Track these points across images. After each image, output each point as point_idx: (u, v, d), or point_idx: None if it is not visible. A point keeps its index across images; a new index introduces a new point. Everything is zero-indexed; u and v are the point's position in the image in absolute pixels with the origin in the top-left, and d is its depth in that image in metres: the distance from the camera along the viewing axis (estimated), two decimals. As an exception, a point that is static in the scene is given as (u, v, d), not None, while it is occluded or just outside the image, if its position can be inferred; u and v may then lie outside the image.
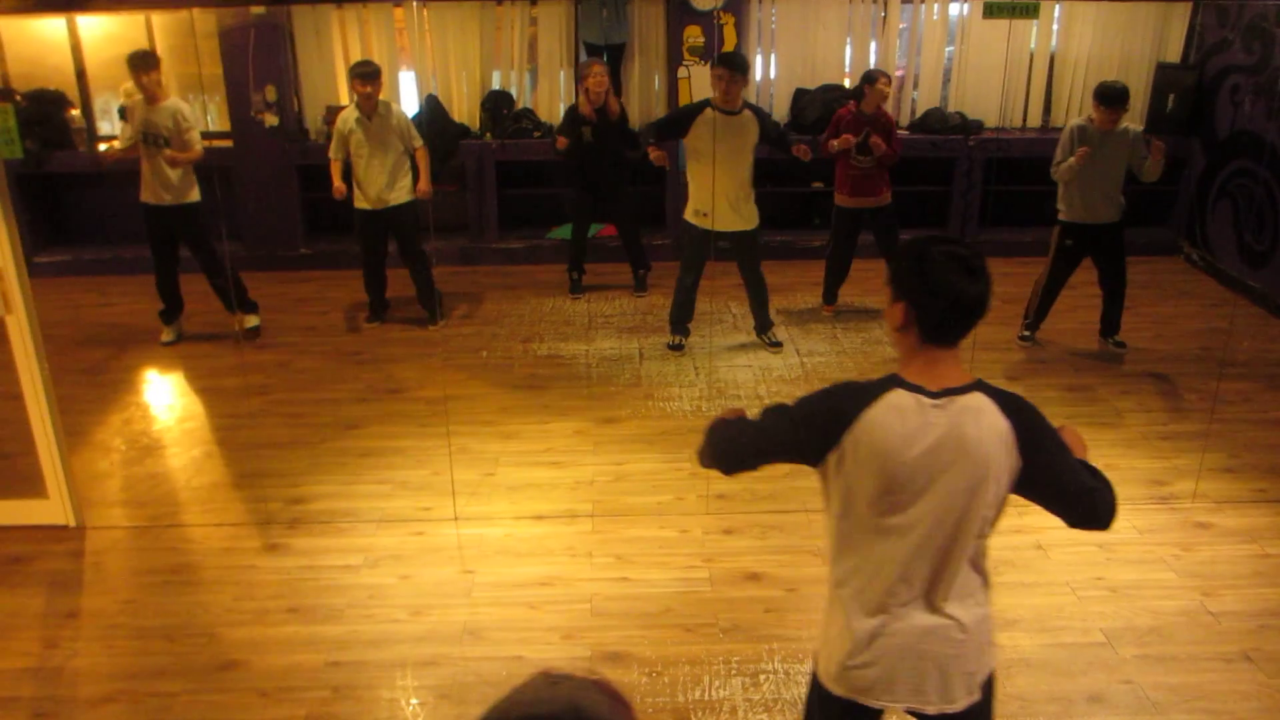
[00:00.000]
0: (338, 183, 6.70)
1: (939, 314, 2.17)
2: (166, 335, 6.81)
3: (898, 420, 2.18)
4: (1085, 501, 2.32)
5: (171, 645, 3.90)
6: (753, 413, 2.45)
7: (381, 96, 6.62)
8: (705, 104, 6.17)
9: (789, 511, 4.70)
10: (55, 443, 4.58)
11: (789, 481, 4.99)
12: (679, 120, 6.23)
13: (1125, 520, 4.68)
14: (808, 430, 2.28)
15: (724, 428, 2.45)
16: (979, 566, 2.33)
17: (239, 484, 5.06)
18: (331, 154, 6.73)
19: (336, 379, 6.24)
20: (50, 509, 4.67)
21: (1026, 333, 6.59)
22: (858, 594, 2.31)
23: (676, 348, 6.58)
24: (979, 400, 2.20)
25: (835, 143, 6.64)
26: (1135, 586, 4.20)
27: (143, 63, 6.23)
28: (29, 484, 4.68)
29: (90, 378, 6.29)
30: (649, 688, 3.65)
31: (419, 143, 6.79)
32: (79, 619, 4.08)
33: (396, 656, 3.82)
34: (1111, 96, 5.95)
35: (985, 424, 2.18)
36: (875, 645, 2.30)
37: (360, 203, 6.74)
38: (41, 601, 4.19)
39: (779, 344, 6.62)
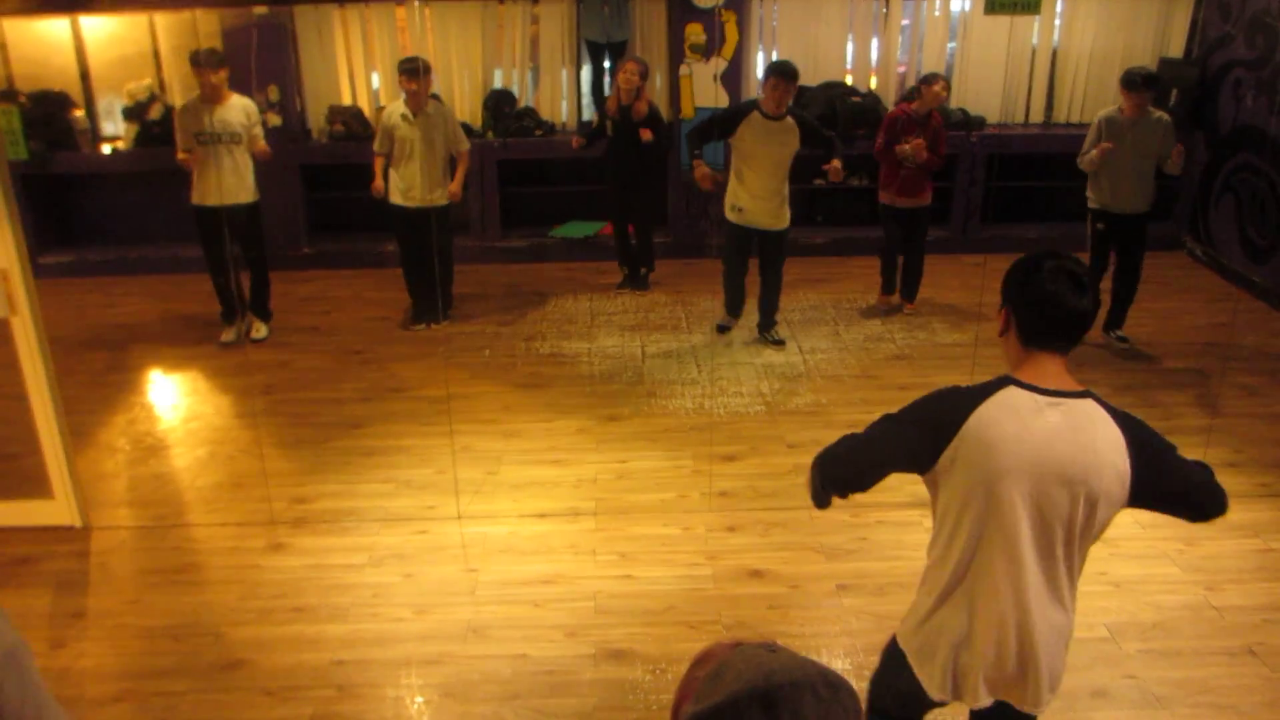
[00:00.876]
0: (378, 181, 6.67)
1: (1038, 320, 2.25)
2: (228, 335, 6.74)
3: (1011, 416, 2.21)
4: (1205, 493, 2.36)
5: (177, 645, 3.92)
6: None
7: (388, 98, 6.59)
8: (753, 105, 6.20)
9: (791, 509, 4.70)
10: (60, 444, 4.59)
11: (791, 479, 5.00)
12: (725, 122, 6.23)
13: (1128, 515, 4.64)
14: (920, 433, 2.30)
15: (832, 451, 2.45)
16: (1075, 573, 2.35)
17: (243, 484, 5.07)
18: (376, 148, 6.67)
19: (340, 378, 6.26)
20: (56, 510, 4.68)
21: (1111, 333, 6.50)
22: (967, 595, 2.33)
23: (722, 328, 6.74)
24: (1092, 407, 2.24)
25: (908, 148, 6.56)
26: (1139, 581, 4.21)
27: (211, 60, 6.14)
28: (35, 485, 4.70)
29: (95, 378, 6.30)
30: (652, 685, 3.65)
31: (466, 145, 6.77)
32: (85, 619, 4.10)
33: (401, 655, 3.83)
34: (1137, 81, 5.96)
35: (1100, 431, 2.21)
36: (975, 643, 2.33)
37: (397, 199, 6.68)
38: (48, 602, 4.21)
39: (782, 341, 6.64)
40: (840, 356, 6.46)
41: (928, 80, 6.70)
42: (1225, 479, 5.02)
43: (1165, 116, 6.15)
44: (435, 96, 7.59)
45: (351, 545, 4.54)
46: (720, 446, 5.25)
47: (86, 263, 8.19)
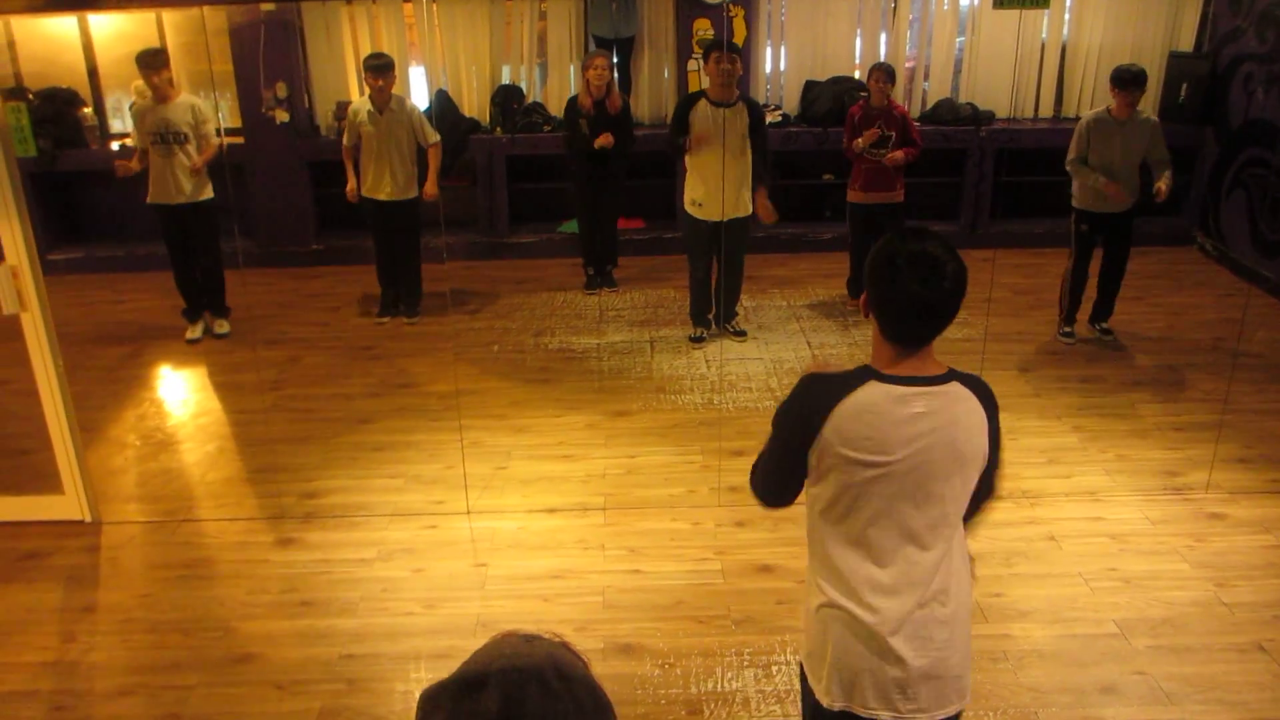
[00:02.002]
0: (352, 184, 6.69)
1: (895, 315, 2.15)
2: (192, 333, 6.80)
3: (872, 415, 2.13)
4: (986, 489, 2.32)
5: (187, 639, 3.93)
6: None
7: (394, 91, 6.60)
8: (699, 96, 6.15)
9: (801, 503, 4.68)
10: (70, 439, 4.61)
11: (801, 474, 4.98)
12: (678, 118, 6.19)
13: (1138, 511, 4.68)
14: (791, 435, 2.24)
15: (754, 472, 2.44)
16: (960, 556, 2.26)
17: (252, 479, 5.09)
18: (345, 143, 6.71)
19: (348, 374, 6.27)
20: (66, 504, 4.70)
21: (1067, 329, 6.48)
22: (846, 594, 2.23)
23: (697, 340, 6.57)
24: (959, 390, 2.18)
25: (860, 141, 6.54)
26: (1148, 577, 4.19)
27: (154, 61, 6.20)
28: (45, 480, 4.72)
29: (104, 374, 6.32)
30: (662, 679, 3.66)
31: (434, 139, 6.74)
32: (95, 613, 4.11)
33: (410, 649, 3.84)
34: (1127, 79, 5.92)
35: (968, 414, 2.17)
36: (865, 647, 2.21)
37: (369, 194, 6.74)
38: (58, 596, 4.23)
39: (743, 332, 6.63)
40: (849, 351, 6.45)
41: (868, 74, 6.67)
42: (1235, 475, 5.05)
43: (1152, 116, 6.12)
44: (442, 92, 7.60)
45: (361, 540, 4.55)
46: (729, 441, 5.24)
47: (95, 259, 8.22)
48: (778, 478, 2.36)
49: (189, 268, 6.69)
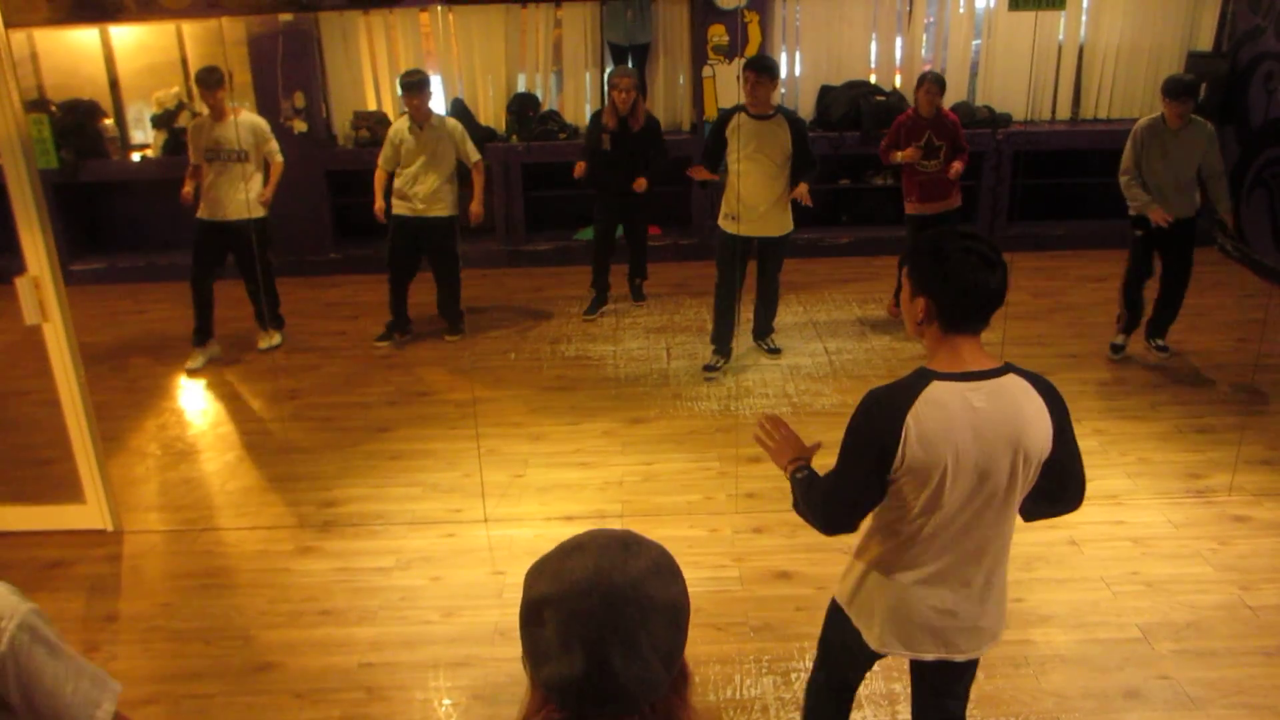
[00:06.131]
0: (380, 202, 6.58)
1: (959, 306, 2.27)
2: (193, 361, 6.53)
3: (942, 411, 2.25)
4: (1076, 485, 2.44)
5: (208, 647, 3.95)
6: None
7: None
8: (739, 108, 6.01)
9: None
10: (92, 448, 4.64)
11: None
12: (716, 133, 6.04)
13: (1161, 514, 4.64)
14: (869, 458, 2.32)
15: (809, 492, 2.52)
16: (1012, 527, 2.45)
17: (272, 488, 5.11)
18: (381, 163, 6.57)
19: (366, 382, 6.29)
20: (88, 514, 4.73)
21: (1118, 341, 6.28)
22: (923, 577, 2.43)
23: (711, 369, 6.22)
24: (1015, 382, 2.30)
25: (900, 155, 6.38)
26: (1172, 581, 4.15)
27: (210, 79, 6.20)
28: (67, 489, 4.75)
29: (126, 384, 6.37)
30: (680, 687, 3.64)
31: (477, 157, 6.64)
32: (117, 622, 4.14)
33: (429, 657, 3.85)
34: (1179, 89, 5.70)
35: (1025, 404, 2.28)
36: (940, 613, 2.46)
37: (398, 209, 6.60)
38: (80, 605, 4.26)
39: (778, 350, 6.50)
40: (866, 357, 6.43)
41: (918, 82, 6.52)
42: (1259, 477, 5.00)
43: (1207, 124, 5.86)
44: (458, 100, 7.61)
45: (379, 548, 4.56)
46: (746, 448, 5.21)
47: (117, 269, 8.28)
48: (849, 500, 2.43)
49: (211, 287, 6.58)
